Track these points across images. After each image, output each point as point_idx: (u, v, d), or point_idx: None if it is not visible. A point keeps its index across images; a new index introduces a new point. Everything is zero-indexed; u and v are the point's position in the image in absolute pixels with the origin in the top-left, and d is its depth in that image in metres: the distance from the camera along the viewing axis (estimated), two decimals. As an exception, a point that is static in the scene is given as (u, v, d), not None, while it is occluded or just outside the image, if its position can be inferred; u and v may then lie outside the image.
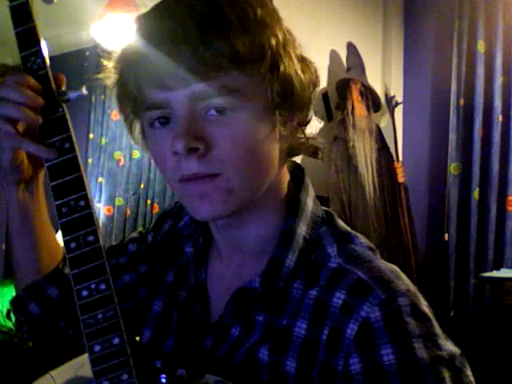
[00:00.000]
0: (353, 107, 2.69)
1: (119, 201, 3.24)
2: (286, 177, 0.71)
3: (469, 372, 0.60)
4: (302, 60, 0.66)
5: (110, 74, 0.66)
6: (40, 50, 0.66)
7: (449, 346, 0.60)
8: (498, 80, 2.79)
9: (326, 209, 0.73)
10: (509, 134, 2.78)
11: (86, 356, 0.58)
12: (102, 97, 3.36)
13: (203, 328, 0.70)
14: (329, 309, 0.62)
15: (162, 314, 0.76)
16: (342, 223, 0.71)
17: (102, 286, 0.61)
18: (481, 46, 2.85)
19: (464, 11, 2.90)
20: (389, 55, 3.16)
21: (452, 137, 2.92)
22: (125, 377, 0.59)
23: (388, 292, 0.60)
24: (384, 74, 3.14)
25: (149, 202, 3.18)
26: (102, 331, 0.60)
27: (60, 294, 0.80)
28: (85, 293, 0.61)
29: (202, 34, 0.57)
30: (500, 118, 2.79)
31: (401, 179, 2.78)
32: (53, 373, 0.61)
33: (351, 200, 2.65)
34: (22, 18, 0.67)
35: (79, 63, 3.01)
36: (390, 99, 2.93)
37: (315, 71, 0.67)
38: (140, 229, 0.88)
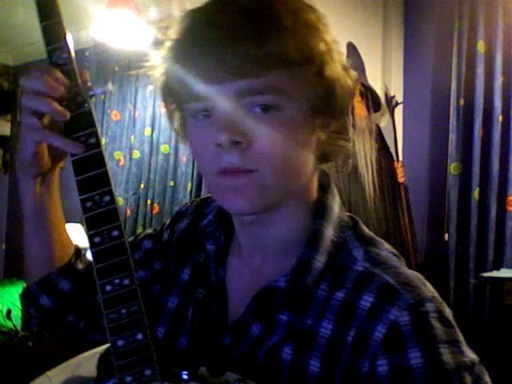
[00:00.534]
0: (353, 107, 2.69)
1: (119, 201, 3.24)
2: (315, 182, 0.72)
3: (487, 379, 0.61)
4: (344, 68, 0.67)
5: (156, 64, 0.67)
6: (65, 45, 0.67)
7: (470, 354, 0.61)
8: (498, 80, 2.79)
9: (350, 214, 0.74)
10: (509, 134, 2.78)
11: (82, 356, 0.58)
12: (102, 97, 3.37)
13: (221, 326, 0.71)
14: (356, 311, 0.63)
15: (177, 311, 0.77)
16: (366, 229, 0.72)
17: (126, 281, 0.62)
18: (481, 46, 2.85)
19: (464, 11, 2.90)
20: (389, 55, 3.16)
21: (452, 137, 2.91)
22: (148, 372, 0.59)
23: (416, 297, 0.61)
24: (384, 74, 3.13)
25: (149, 202, 3.18)
26: (126, 326, 0.61)
27: (72, 287, 0.80)
28: (109, 287, 0.62)
29: (255, 32, 0.58)
30: (500, 118, 2.78)
31: (401, 179, 2.78)
32: (50, 373, 0.61)
33: (351, 200, 2.65)
34: (48, 12, 0.67)
35: (79, 63, 3.01)
36: (390, 99, 2.93)
37: (354, 81, 0.68)
38: (140, 229, 0.89)
